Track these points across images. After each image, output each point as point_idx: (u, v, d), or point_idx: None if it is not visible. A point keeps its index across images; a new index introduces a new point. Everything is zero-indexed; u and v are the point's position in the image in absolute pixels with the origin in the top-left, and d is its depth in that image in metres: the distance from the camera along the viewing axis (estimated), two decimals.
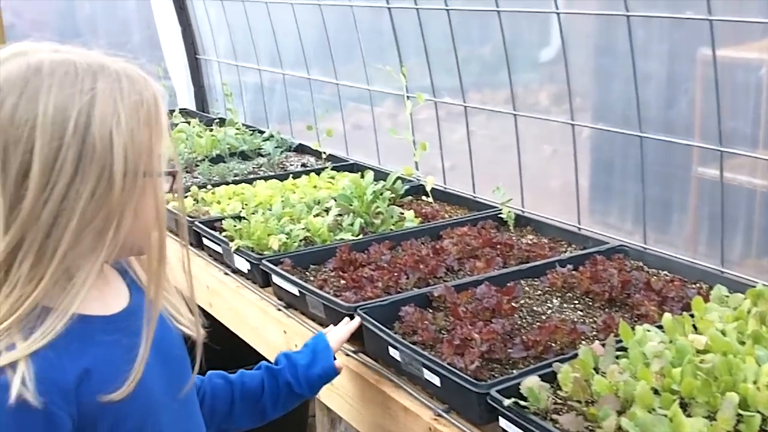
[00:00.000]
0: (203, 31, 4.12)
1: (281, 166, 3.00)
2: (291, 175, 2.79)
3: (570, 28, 2.30)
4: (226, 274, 2.13)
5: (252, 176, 2.85)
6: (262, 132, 3.40)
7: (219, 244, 2.14)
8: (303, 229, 2.12)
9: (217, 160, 3.05)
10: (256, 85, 3.89)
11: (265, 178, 2.76)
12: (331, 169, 2.86)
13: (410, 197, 2.54)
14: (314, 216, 2.26)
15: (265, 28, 3.62)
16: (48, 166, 1.03)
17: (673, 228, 2.16)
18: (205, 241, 2.24)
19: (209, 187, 2.66)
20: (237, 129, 3.43)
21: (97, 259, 1.09)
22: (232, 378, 1.48)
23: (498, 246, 2.03)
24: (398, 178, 2.49)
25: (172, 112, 4.00)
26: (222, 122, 3.76)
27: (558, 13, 2.18)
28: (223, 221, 2.22)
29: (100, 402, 1.06)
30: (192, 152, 3.06)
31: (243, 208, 2.42)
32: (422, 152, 2.51)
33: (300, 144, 3.22)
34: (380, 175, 2.59)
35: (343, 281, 1.86)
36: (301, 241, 2.09)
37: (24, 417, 0.99)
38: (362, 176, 2.63)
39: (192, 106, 4.32)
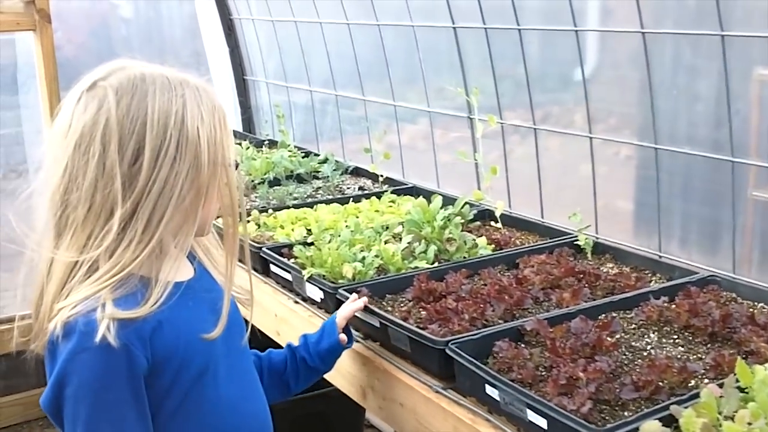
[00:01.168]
0: (251, 51, 4.09)
1: (338, 189, 2.94)
2: (351, 199, 2.73)
3: (605, 45, 2.27)
4: (296, 302, 2.06)
5: (311, 200, 2.79)
6: (315, 154, 3.34)
7: (289, 272, 2.07)
8: (376, 256, 2.05)
9: (273, 183, 2.99)
10: (304, 106, 3.85)
11: (326, 202, 2.70)
12: (391, 193, 2.80)
13: (478, 222, 2.46)
14: (384, 242, 2.19)
15: (316, 49, 3.58)
16: (155, 152, 1.28)
17: (725, 250, 2.07)
18: (273, 268, 2.17)
19: (270, 211, 2.60)
20: (290, 151, 3.37)
21: (188, 234, 1.35)
22: (262, 355, 1.70)
23: (581, 275, 1.94)
24: (466, 203, 2.41)
25: None
26: (272, 144, 3.71)
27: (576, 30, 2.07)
28: (292, 248, 2.15)
29: (169, 348, 1.29)
30: (248, 174, 3.01)
31: (309, 234, 2.35)
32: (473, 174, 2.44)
33: (356, 167, 3.15)
34: (445, 200, 2.52)
35: (424, 312, 1.78)
36: (375, 269, 2.01)
37: (110, 354, 1.22)
38: (429, 201, 2.56)
39: (239, 127, 4.28)
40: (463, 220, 2.34)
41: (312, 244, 2.22)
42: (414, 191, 2.87)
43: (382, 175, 3.01)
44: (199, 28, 4.31)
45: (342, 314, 1.76)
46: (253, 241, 2.31)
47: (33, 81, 3.72)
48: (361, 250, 2.10)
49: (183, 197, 1.30)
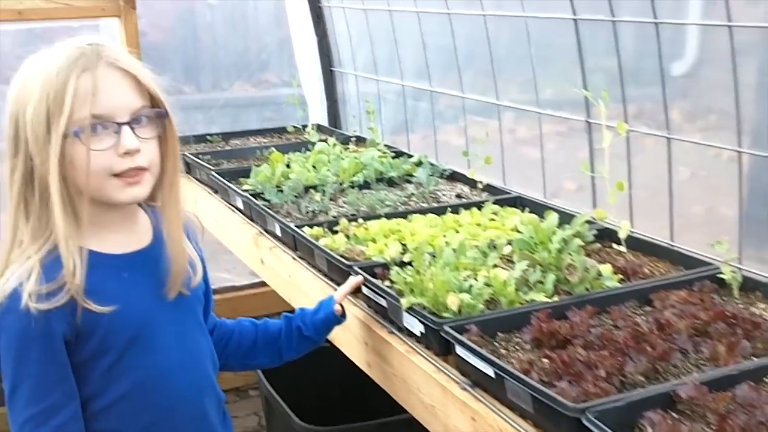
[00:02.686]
0: (340, 41, 3.85)
1: (433, 196, 2.67)
2: (449, 209, 2.45)
3: (706, 39, 2.10)
4: (391, 332, 1.80)
5: (405, 208, 2.53)
6: (407, 155, 3.07)
7: (385, 298, 1.82)
8: (486, 285, 1.77)
9: (363, 186, 2.74)
10: (394, 101, 3.58)
11: (421, 212, 2.43)
12: (493, 203, 2.51)
13: (597, 245, 2.15)
14: (493, 266, 1.90)
15: (411, 40, 3.31)
16: (13, 142, 1.45)
17: None
18: (365, 290, 1.92)
19: (360, 220, 2.34)
20: (379, 150, 3.12)
21: (90, 207, 1.45)
22: (258, 322, 1.82)
23: (733, 321, 1.62)
24: (587, 221, 2.10)
25: (305, 127, 3.75)
26: (359, 141, 3.46)
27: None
28: (388, 268, 1.90)
29: (93, 315, 1.40)
30: (336, 176, 2.76)
31: (404, 250, 2.09)
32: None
33: (452, 171, 2.86)
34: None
35: (547, 360, 1.50)
36: (484, 301, 1.74)
37: (30, 318, 1.37)
38: (536, 215, 2.27)
39: (324, 121, 4.05)
40: (582, 243, 2.04)
41: (409, 263, 1.95)
42: (518, 202, 2.58)
43: (481, 182, 2.72)
44: (286, 16, 4.09)
45: (341, 291, 1.87)
46: (343, 257, 2.06)
47: None
48: (465, 277, 1.83)
49: (45, 177, 1.40)
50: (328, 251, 2.08)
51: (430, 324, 1.65)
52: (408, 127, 3.46)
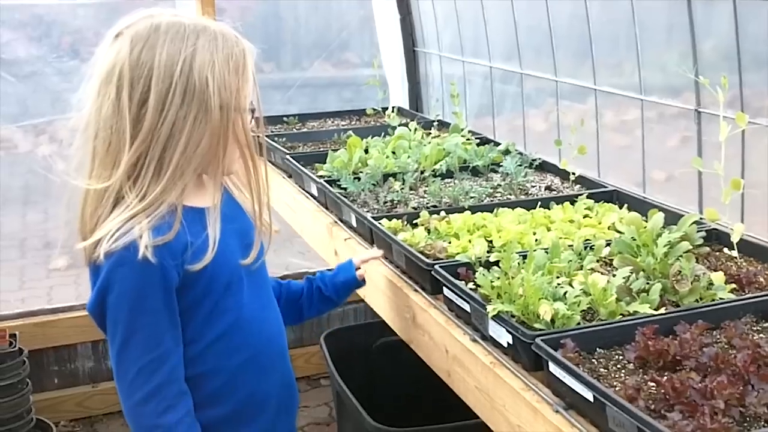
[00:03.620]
0: (425, 20, 3.67)
1: (522, 188, 2.48)
2: (539, 203, 2.27)
3: None
4: (475, 340, 1.64)
5: (491, 200, 2.35)
6: (494, 143, 2.88)
7: (468, 302, 1.65)
8: (583, 292, 1.58)
9: (445, 175, 2.58)
10: (481, 84, 3.39)
11: (509, 205, 2.25)
12: (587, 198, 2.31)
13: (706, 248, 1.93)
14: (589, 270, 1.72)
15: (501, 19, 3.11)
16: (161, 98, 1.46)
17: None
18: (447, 292, 1.76)
19: (442, 213, 2.18)
20: (463, 136, 2.94)
21: (214, 171, 1.54)
22: (282, 282, 1.91)
23: None
24: (695, 222, 1.89)
25: (385, 110, 3.59)
26: (441, 125, 3.29)
27: None
28: (472, 269, 1.73)
29: (196, 266, 1.49)
30: (417, 164, 2.60)
31: (490, 248, 1.92)
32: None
33: (542, 160, 2.67)
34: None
35: (653, 385, 1.31)
36: (582, 311, 1.55)
37: (147, 269, 1.44)
38: (637, 212, 2.07)
39: (405, 104, 3.89)
40: (690, 247, 1.82)
41: (496, 264, 1.79)
42: (615, 197, 2.37)
43: (573, 173, 2.52)
44: None
45: (360, 257, 1.99)
46: (423, 254, 1.90)
47: None
48: (559, 283, 1.64)
49: (196, 140, 1.47)
50: (407, 247, 1.93)
51: (519, 336, 1.48)
52: (494, 111, 3.27)
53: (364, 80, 4.15)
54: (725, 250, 1.94)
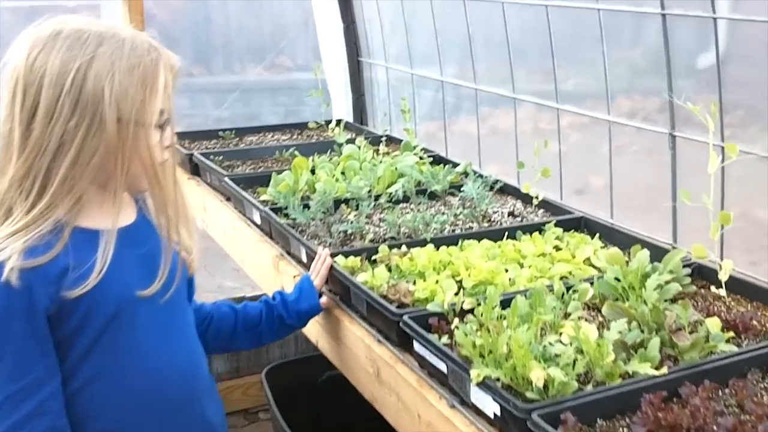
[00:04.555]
0: (371, 29, 3.46)
1: (484, 214, 2.29)
2: (505, 233, 2.08)
3: (734, 31, 1.97)
4: (453, 406, 1.44)
5: (453, 230, 2.15)
6: (452, 164, 2.68)
7: (446, 362, 1.45)
8: (574, 349, 1.40)
9: (400, 200, 2.37)
10: (432, 98, 3.20)
11: (474, 236, 2.06)
12: (555, 225, 2.14)
13: (692, 287, 1.77)
14: (579, 319, 1.53)
15: (454, 30, 2.92)
16: (51, 106, 1.37)
17: None
18: (418, 347, 1.55)
19: (403, 248, 1.97)
20: (416, 155, 2.74)
21: (114, 188, 1.43)
22: (237, 307, 1.81)
23: None
24: (683, 260, 1.73)
25: (328, 123, 3.37)
26: (390, 141, 3.09)
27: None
28: (445, 319, 1.53)
29: (73, 293, 1.37)
30: (370, 188, 2.38)
31: (461, 289, 1.73)
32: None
33: (502, 183, 2.48)
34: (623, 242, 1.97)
35: None
36: (578, 375, 1.36)
37: (10, 293, 1.34)
38: (609, 242, 1.91)
39: (349, 117, 3.67)
40: (680, 288, 1.67)
41: (470, 312, 1.59)
42: (583, 224, 2.21)
43: (536, 197, 2.35)
44: None
45: (320, 277, 1.86)
46: (386, 298, 1.69)
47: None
48: (549, 341, 1.45)
49: (87, 153, 1.37)
50: (369, 292, 1.72)
51: (511, 409, 1.28)
52: (446, 126, 3.08)
53: (298, 84, 4.00)
54: (712, 288, 1.79)
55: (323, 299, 1.84)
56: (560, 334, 1.49)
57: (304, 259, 2.06)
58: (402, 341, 1.62)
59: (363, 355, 1.72)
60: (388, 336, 1.67)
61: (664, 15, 2.01)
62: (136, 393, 1.45)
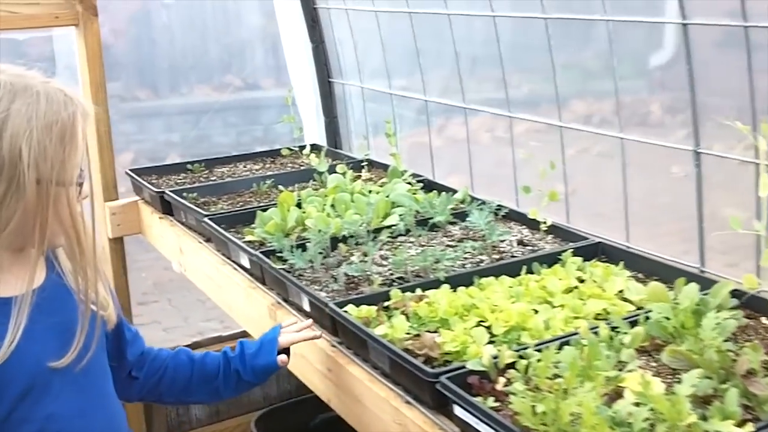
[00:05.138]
0: (343, 49, 3.28)
1: (493, 245, 2.12)
2: (523, 267, 1.92)
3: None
4: None
5: (463, 265, 1.98)
6: (438, 187, 2.51)
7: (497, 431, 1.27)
8: (651, 411, 1.23)
9: (400, 233, 2.19)
10: (414, 119, 3.04)
11: (489, 273, 1.89)
12: (573, 254, 1.99)
13: (744, 321, 1.63)
14: (634, 370, 1.37)
15: (436, 48, 2.77)
16: None
17: None
18: (461, 413, 1.36)
19: (418, 290, 1.79)
20: (406, 182, 2.57)
21: (13, 252, 1.36)
22: (196, 357, 1.71)
23: None
24: (734, 291, 1.59)
25: (302, 148, 3.18)
26: (372, 166, 2.92)
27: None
28: (488, 378, 1.35)
29: None
30: (366, 223, 2.19)
31: (492, 336, 1.56)
32: None
33: (507, 209, 2.32)
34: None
35: None
36: None
37: None
38: (666, 283, 1.77)
39: (322, 140, 3.48)
40: (737, 324, 1.52)
41: (511, 366, 1.42)
42: (601, 251, 2.06)
43: (544, 222, 2.20)
44: (245, 15, 3.56)
45: (289, 339, 1.72)
46: (411, 352, 1.51)
47: (75, 87, 2.95)
48: (609, 393, 1.29)
49: (4, 219, 1.29)
50: (393, 347, 1.53)
51: None
52: (431, 148, 2.91)
53: (248, 104, 3.76)
54: (763, 319, 1.65)
55: (281, 357, 1.70)
56: (620, 389, 1.33)
57: (306, 307, 1.87)
58: (437, 403, 1.44)
59: (389, 419, 1.53)
60: (418, 397, 1.49)
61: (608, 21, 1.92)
62: None
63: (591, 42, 2.27)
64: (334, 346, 1.75)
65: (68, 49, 3.04)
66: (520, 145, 2.66)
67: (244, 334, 3.42)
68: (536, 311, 1.68)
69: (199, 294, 3.49)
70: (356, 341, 1.66)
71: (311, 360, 1.82)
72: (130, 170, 3.00)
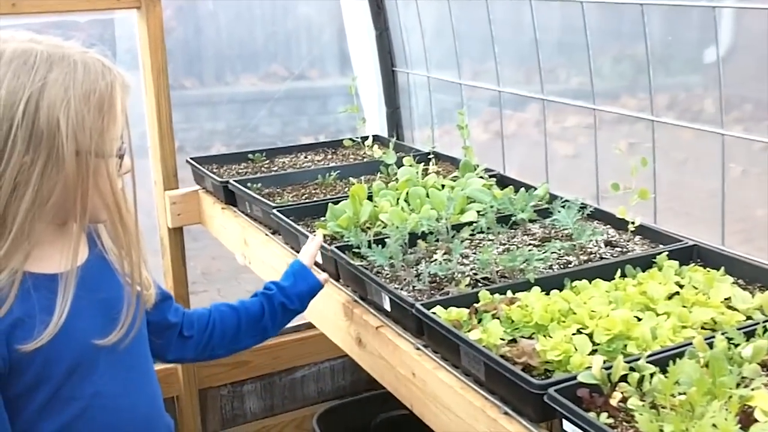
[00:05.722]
0: (410, 36, 3.18)
1: (581, 246, 2.01)
2: (617, 270, 1.81)
3: (740, 25, 1.98)
4: None
5: (551, 266, 1.88)
6: (528, 186, 2.38)
7: None
8: None
9: (480, 230, 2.08)
10: (484, 111, 2.93)
11: (581, 275, 1.78)
12: (668, 257, 1.87)
13: None
14: (762, 387, 1.26)
15: (510, 35, 2.66)
16: (1, 143, 1.23)
17: None
18: (572, 429, 1.26)
19: (508, 293, 1.69)
20: (480, 177, 2.46)
21: (68, 226, 1.34)
22: (236, 305, 1.75)
23: None
24: None
25: (364, 139, 3.09)
26: (439, 159, 2.82)
27: None
28: (601, 392, 1.25)
29: (28, 347, 1.25)
30: (438, 219, 2.08)
31: (594, 345, 1.45)
32: None
33: (594, 207, 2.19)
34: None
35: None
36: None
37: None
38: (725, 273, 1.65)
39: (383, 131, 3.39)
40: None
41: (624, 379, 1.31)
42: (696, 254, 1.94)
43: (632, 222, 2.08)
44: (295, 5, 3.49)
45: (310, 253, 1.84)
46: (508, 359, 1.41)
47: (136, 72, 2.90)
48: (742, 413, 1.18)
49: (45, 193, 1.26)
50: (491, 354, 1.43)
51: None
52: (503, 142, 2.80)
53: (294, 94, 3.71)
54: None
55: (322, 275, 1.82)
56: (747, 407, 1.21)
57: (387, 306, 1.78)
58: (540, 416, 1.34)
59: (485, 430, 1.43)
60: (518, 408, 1.39)
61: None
62: None
63: (642, 33, 2.17)
64: (418, 348, 1.66)
65: (129, 33, 2.98)
66: (568, 140, 2.60)
67: (298, 328, 3.38)
68: (639, 318, 1.57)
69: (249, 284, 3.46)
70: (446, 345, 1.57)
71: (392, 362, 1.73)
72: (192, 159, 2.93)
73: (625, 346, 1.48)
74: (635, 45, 2.20)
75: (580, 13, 2.30)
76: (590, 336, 1.50)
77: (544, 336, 1.52)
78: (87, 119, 1.27)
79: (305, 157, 3.09)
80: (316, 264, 1.98)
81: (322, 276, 1.81)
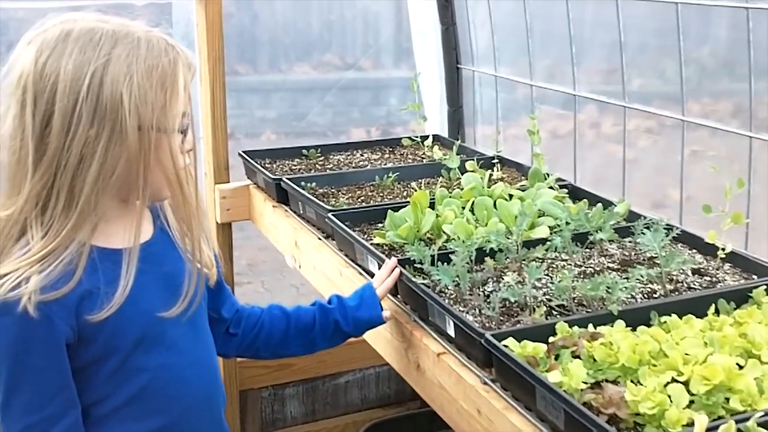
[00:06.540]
0: (477, 33, 3.00)
1: (668, 274, 1.81)
2: (712, 305, 1.61)
3: None
4: None
5: (637, 297, 1.69)
6: (605, 201, 2.19)
7: None
8: None
9: (553, 248, 1.90)
10: (549, 111, 2.75)
11: (670, 309, 1.59)
12: (766, 291, 1.67)
13: None
14: None
15: (590, 35, 2.47)
16: (66, 117, 1.27)
17: None
18: None
19: (590, 327, 1.51)
20: (551, 187, 2.28)
21: (131, 201, 1.37)
22: (289, 311, 1.72)
23: None
24: None
25: (424, 139, 2.93)
26: (504, 164, 2.64)
27: None
28: None
29: (96, 317, 1.29)
30: (517, 235, 1.91)
31: (692, 396, 1.27)
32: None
33: (679, 230, 1.99)
34: None
35: None
36: None
37: (29, 323, 1.25)
38: None
39: (443, 131, 3.22)
40: None
41: None
42: None
43: (723, 248, 1.89)
44: None
45: (385, 286, 1.73)
46: (591, 407, 1.24)
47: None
48: None
49: (110, 166, 1.29)
50: (573, 401, 1.26)
51: None
52: (575, 151, 2.61)
53: (347, 84, 3.65)
54: None
55: (386, 313, 1.71)
56: None
57: (450, 331, 1.61)
58: None
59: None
60: None
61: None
62: (161, 417, 1.40)
63: (709, 37, 2.15)
64: (485, 383, 1.49)
65: (186, 19, 2.86)
66: (630, 144, 2.47)
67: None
68: (740, 366, 1.38)
69: (293, 279, 3.35)
70: (518, 384, 1.40)
71: (455, 395, 1.56)
72: (244, 152, 2.80)
73: (727, 399, 1.29)
74: (700, 48, 2.12)
75: (638, 14, 2.20)
76: (686, 384, 1.32)
77: (633, 382, 1.34)
78: (149, 94, 1.29)
79: (361, 155, 2.94)
80: None
81: (386, 313, 1.72)
